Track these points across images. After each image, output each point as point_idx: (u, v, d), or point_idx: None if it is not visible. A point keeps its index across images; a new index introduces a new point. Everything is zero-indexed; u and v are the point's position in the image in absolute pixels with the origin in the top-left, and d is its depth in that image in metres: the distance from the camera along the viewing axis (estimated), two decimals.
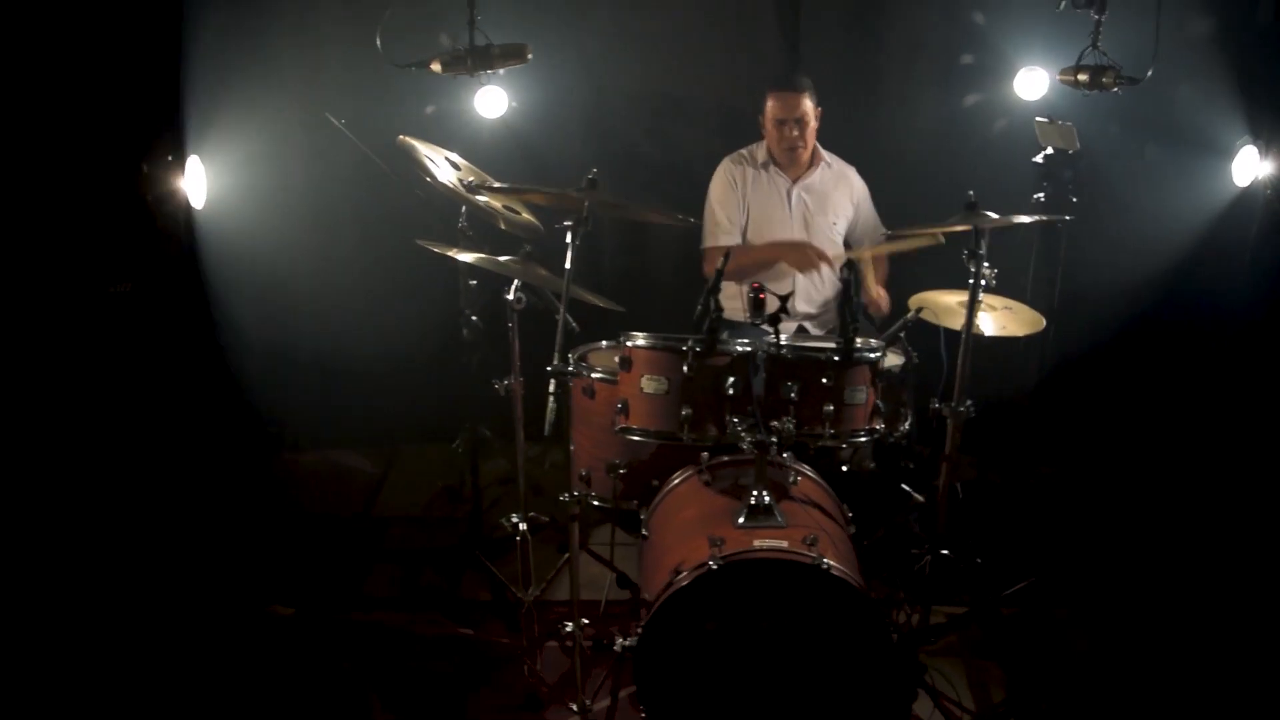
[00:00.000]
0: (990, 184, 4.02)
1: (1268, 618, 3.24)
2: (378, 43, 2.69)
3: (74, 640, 3.19)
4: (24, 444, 3.21)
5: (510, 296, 3.11)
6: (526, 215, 3.65)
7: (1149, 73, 2.61)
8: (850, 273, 2.72)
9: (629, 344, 2.94)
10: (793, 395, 2.81)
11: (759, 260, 3.91)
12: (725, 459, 3.16)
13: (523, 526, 3.39)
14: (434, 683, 3.30)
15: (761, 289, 2.67)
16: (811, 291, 3.96)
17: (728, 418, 2.84)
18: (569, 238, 2.63)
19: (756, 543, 2.71)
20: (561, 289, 3.07)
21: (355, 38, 3.77)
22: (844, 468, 3.45)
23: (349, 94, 3.84)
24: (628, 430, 2.97)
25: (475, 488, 3.92)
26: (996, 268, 3.21)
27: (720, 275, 2.77)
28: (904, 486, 3.44)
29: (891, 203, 4.16)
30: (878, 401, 2.92)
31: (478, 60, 2.68)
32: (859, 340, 2.84)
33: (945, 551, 3.18)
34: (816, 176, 3.99)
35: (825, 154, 4.03)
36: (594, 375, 3.29)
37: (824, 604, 2.67)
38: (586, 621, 2.97)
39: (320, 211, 4.18)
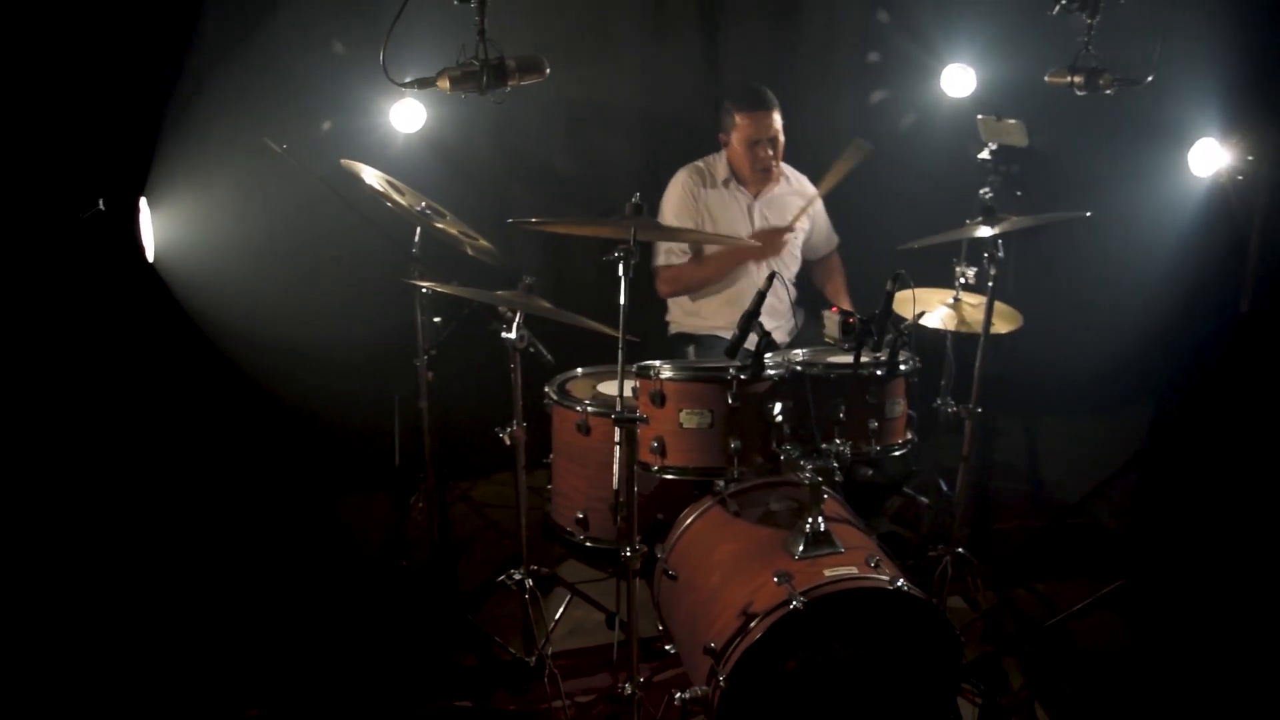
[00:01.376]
0: (925, 183, 4.18)
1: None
2: (381, 61, 2.33)
3: None
4: None
5: (512, 335, 2.85)
6: (482, 241, 3.36)
7: (1149, 78, 2.70)
8: (895, 285, 2.66)
9: (661, 377, 2.75)
10: (841, 415, 2.73)
11: (724, 266, 3.80)
12: (746, 485, 3.03)
13: (529, 583, 3.14)
14: None
15: (851, 313, 2.55)
16: (775, 304, 3.89)
17: (774, 446, 2.72)
18: (620, 270, 2.40)
19: (827, 573, 2.60)
20: (562, 319, 2.88)
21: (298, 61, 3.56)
22: (837, 477, 3.42)
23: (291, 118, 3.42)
24: (666, 470, 2.78)
25: (445, 540, 3.58)
26: (975, 267, 3.28)
27: (762, 298, 2.64)
28: (906, 490, 3.44)
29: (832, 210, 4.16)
30: (910, 411, 2.89)
31: (493, 76, 2.38)
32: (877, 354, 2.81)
33: (961, 550, 3.22)
34: (777, 190, 3.90)
35: (783, 166, 3.95)
36: (588, 410, 3.07)
37: (899, 624, 2.60)
38: (641, 680, 2.75)
39: (273, 248, 3.70)
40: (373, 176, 3.15)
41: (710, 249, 3.82)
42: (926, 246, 3.12)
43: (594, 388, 3.36)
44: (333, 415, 3.92)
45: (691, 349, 3.74)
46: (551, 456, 3.33)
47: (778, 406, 2.68)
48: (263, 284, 3.57)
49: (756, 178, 3.80)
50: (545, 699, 3.11)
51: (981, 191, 3.66)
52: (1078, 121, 3.57)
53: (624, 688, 2.69)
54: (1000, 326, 3.33)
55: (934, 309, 3.40)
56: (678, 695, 2.71)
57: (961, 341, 3.41)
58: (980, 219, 2.92)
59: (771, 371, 2.69)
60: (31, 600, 2.97)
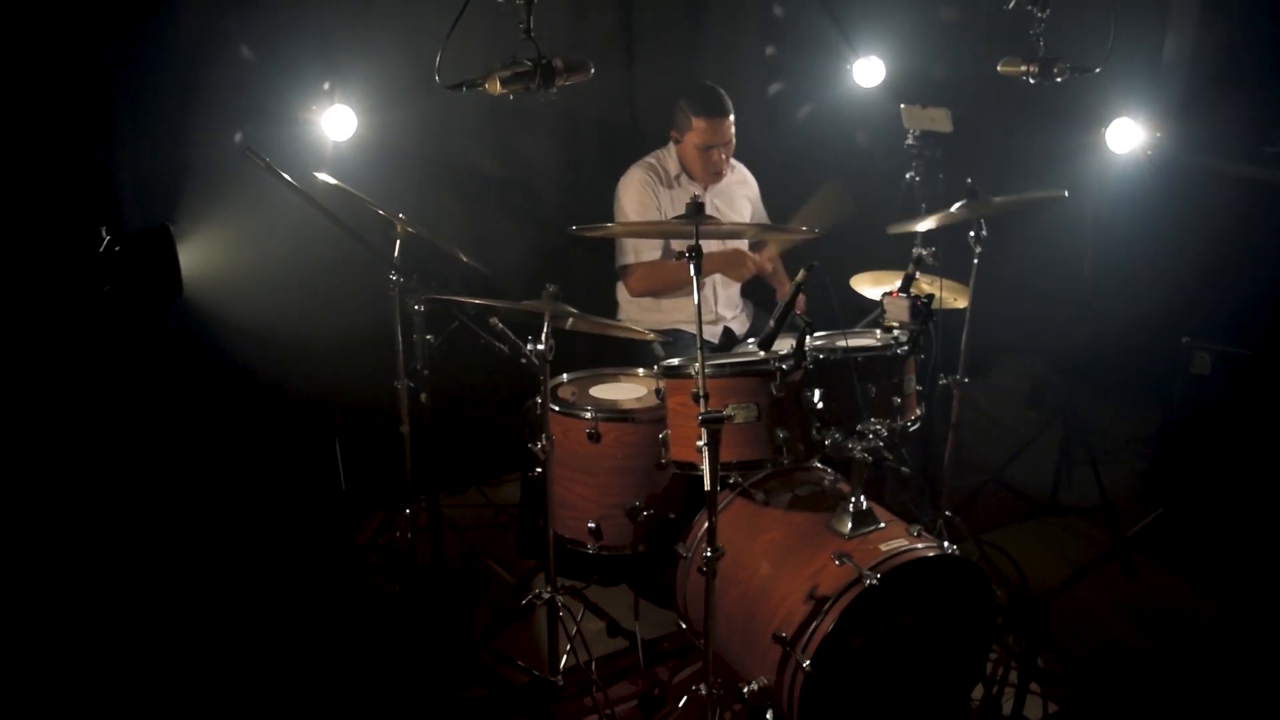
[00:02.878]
0: (842, 170, 4.37)
1: None
2: (436, 66, 2.19)
3: None
4: None
5: (541, 346, 2.75)
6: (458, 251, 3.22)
7: (1098, 69, 2.98)
8: (913, 268, 2.79)
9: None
10: (873, 395, 2.83)
11: (686, 281, 3.81)
12: (759, 476, 3.08)
13: (561, 600, 3.04)
14: None
15: (919, 297, 2.64)
16: (733, 295, 3.97)
17: (814, 432, 2.78)
18: (691, 270, 2.38)
19: (883, 547, 2.70)
20: (592, 327, 2.83)
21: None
22: (887, 455, 3.48)
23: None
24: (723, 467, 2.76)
25: (440, 567, 3.38)
26: (932, 247, 3.49)
27: (799, 288, 2.69)
28: (886, 462, 3.59)
29: None
30: (919, 386, 3.04)
31: (544, 77, 2.29)
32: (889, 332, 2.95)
33: (948, 512, 3.42)
34: (724, 182, 3.94)
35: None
36: (599, 416, 3.02)
37: (952, 585, 2.75)
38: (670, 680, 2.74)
39: (269, 275, 3.36)
40: (352, 189, 2.94)
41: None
42: (897, 232, 3.29)
43: (587, 393, 3.30)
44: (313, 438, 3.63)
45: (657, 346, 3.73)
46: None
47: (817, 393, 2.74)
48: (249, 306, 3.25)
49: (708, 180, 3.84)
50: (579, 715, 3.04)
51: (908, 175, 3.91)
52: (992, 107, 3.87)
53: (698, 688, 2.67)
54: (959, 302, 3.55)
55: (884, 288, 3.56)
56: (745, 689, 2.74)
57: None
58: (964, 201, 3.10)
59: (809, 359, 2.74)
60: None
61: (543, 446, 2.86)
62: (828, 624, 2.56)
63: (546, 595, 3.02)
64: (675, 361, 2.91)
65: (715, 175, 3.83)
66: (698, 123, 3.70)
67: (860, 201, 3.84)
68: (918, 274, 3.60)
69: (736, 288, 3.99)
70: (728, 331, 3.80)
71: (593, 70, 2.41)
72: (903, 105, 3.86)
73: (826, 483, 3.09)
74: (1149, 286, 4.38)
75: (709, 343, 3.84)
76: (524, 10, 2.29)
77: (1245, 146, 4.33)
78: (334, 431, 3.66)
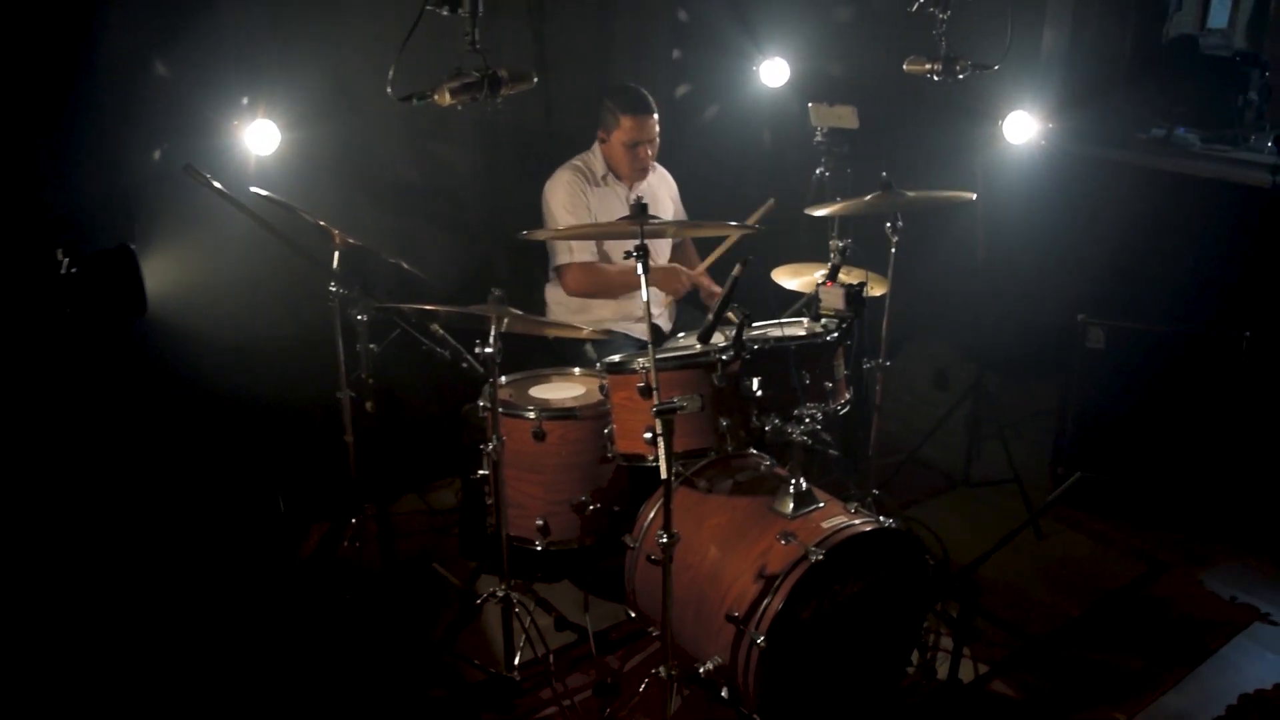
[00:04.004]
0: (753, 167, 4.53)
1: None
2: (389, 78, 2.23)
3: None
4: None
5: (490, 349, 2.81)
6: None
7: (996, 66, 3.19)
8: (840, 259, 2.94)
9: (649, 369, 2.83)
10: (806, 381, 2.97)
11: (624, 285, 3.92)
12: (700, 465, 3.19)
13: (515, 597, 3.10)
14: None
15: (854, 285, 2.78)
16: (656, 292, 4.05)
17: (754, 420, 2.90)
18: (639, 269, 2.48)
19: (824, 525, 2.84)
20: (536, 329, 2.90)
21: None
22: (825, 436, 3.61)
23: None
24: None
25: (390, 568, 3.39)
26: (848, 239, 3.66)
27: (735, 282, 2.82)
28: (814, 445, 3.74)
29: None
30: (846, 371, 3.20)
31: (491, 86, 2.36)
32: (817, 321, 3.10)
33: (876, 491, 3.60)
34: (647, 181, 4.04)
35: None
36: (542, 414, 3.09)
37: (888, 556, 2.90)
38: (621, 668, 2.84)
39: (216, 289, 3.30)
40: (287, 201, 2.95)
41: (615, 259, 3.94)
42: (814, 213, 3.45)
43: (527, 393, 3.36)
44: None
45: (589, 346, 3.81)
46: (486, 470, 3.27)
47: (755, 381, 2.87)
48: (204, 322, 3.20)
49: (634, 175, 3.94)
50: (539, 707, 3.11)
51: (817, 171, 4.09)
52: (896, 103, 4.07)
53: (658, 671, 2.76)
54: (878, 290, 3.73)
55: (805, 278, 3.72)
56: (700, 669, 2.85)
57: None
58: (878, 192, 3.27)
59: (756, 347, 2.86)
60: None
61: (494, 447, 2.91)
62: (778, 601, 2.69)
63: (500, 593, 3.08)
64: (618, 358, 3.00)
65: (641, 172, 3.93)
66: (625, 121, 3.80)
67: (773, 196, 4.00)
68: (892, 262, 3.79)
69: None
70: (655, 329, 3.90)
71: (535, 79, 2.47)
72: (810, 104, 4.03)
73: (763, 468, 3.22)
74: (1045, 269, 4.67)
75: (638, 341, 3.94)
76: (469, 23, 2.34)
77: (1124, 134, 4.66)
78: (278, 441, 3.65)
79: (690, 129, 4.77)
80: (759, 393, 2.88)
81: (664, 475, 2.50)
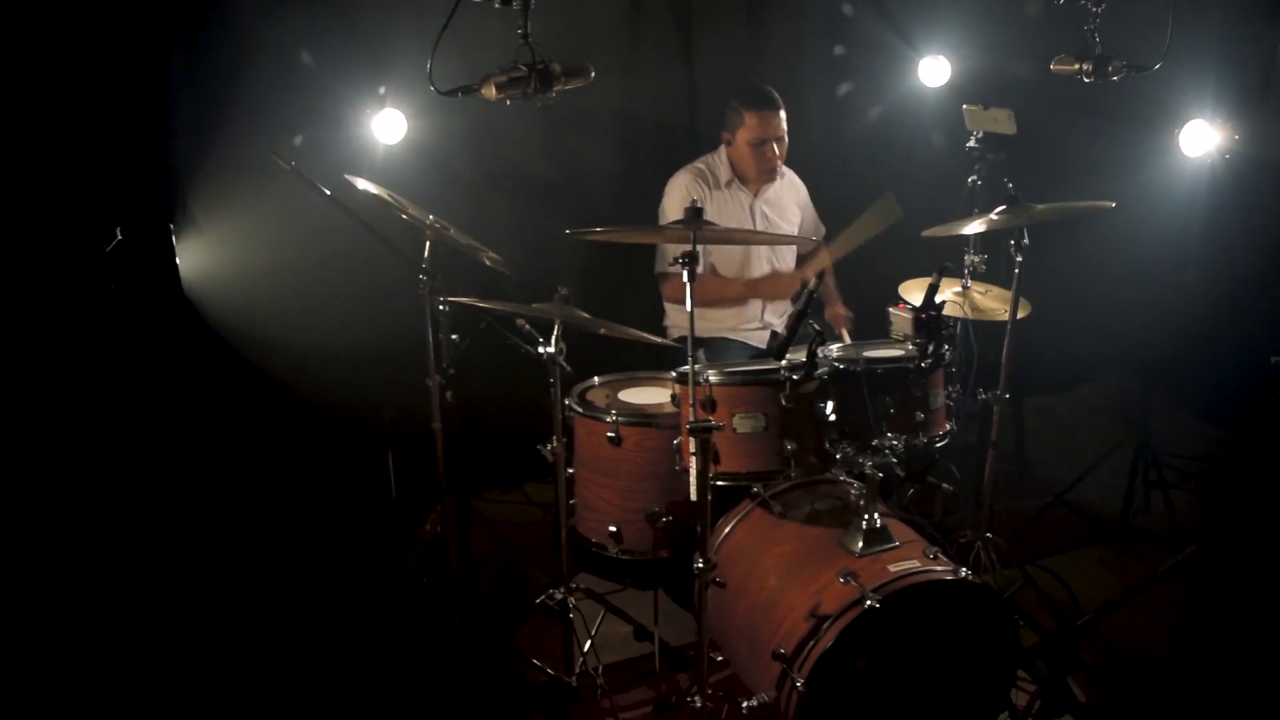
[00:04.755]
0: (902, 174, 4.23)
1: None
2: (428, 71, 2.23)
3: None
4: None
5: (552, 349, 2.76)
6: (491, 252, 3.25)
7: (1158, 65, 2.79)
8: (938, 277, 2.68)
9: (710, 383, 2.70)
10: (891, 410, 2.73)
11: (732, 295, 3.79)
12: (783, 487, 3.02)
13: (572, 601, 3.05)
14: None
15: (921, 309, 2.55)
16: (778, 302, 3.90)
17: (827, 445, 2.70)
18: (685, 276, 2.35)
19: (892, 568, 2.60)
20: (603, 330, 2.82)
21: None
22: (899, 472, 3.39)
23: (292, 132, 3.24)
24: (721, 476, 2.72)
25: (467, 563, 3.43)
26: (985, 254, 3.34)
27: (811, 296, 2.62)
28: (929, 478, 3.47)
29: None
30: (949, 401, 2.91)
31: (541, 81, 2.30)
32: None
33: (990, 535, 3.27)
34: (774, 188, 3.86)
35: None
36: (619, 419, 3.00)
37: (965, 611, 2.63)
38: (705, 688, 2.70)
39: (285, 270, 3.52)
40: (378, 190, 3.01)
41: (727, 272, 3.82)
42: (939, 235, 3.15)
43: (615, 396, 3.29)
44: (347, 435, 3.75)
45: (701, 352, 3.69)
46: (573, 469, 3.25)
47: (829, 405, 2.66)
48: (276, 305, 3.39)
49: (761, 177, 3.76)
50: (594, 717, 3.05)
51: (970, 179, 3.75)
52: (1058, 107, 3.67)
53: (694, 699, 2.63)
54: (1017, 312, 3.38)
55: (942, 297, 3.43)
56: (744, 704, 2.69)
57: (972, 328, 3.47)
58: (1004, 207, 2.95)
59: (821, 370, 2.66)
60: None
61: (552, 449, 2.86)
62: (825, 644, 2.49)
63: (559, 596, 3.03)
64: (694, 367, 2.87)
65: (769, 173, 3.74)
66: (749, 118, 3.63)
67: (921, 205, 3.70)
68: (970, 283, 3.48)
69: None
70: (774, 334, 3.72)
71: (593, 74, 2.40)
72: (965, 106, 3.70)
73: (851, 497, 3.00)
74: (1239, 297, 4.08)
75: (730, 343, 3.77)
76: (520, 15, 2.29)
77: None
78: (383, 433, 3.80)
79: (847, 131, 4.53)
80: (832, 417, 2.67)
81: (694, 496, 2.36)
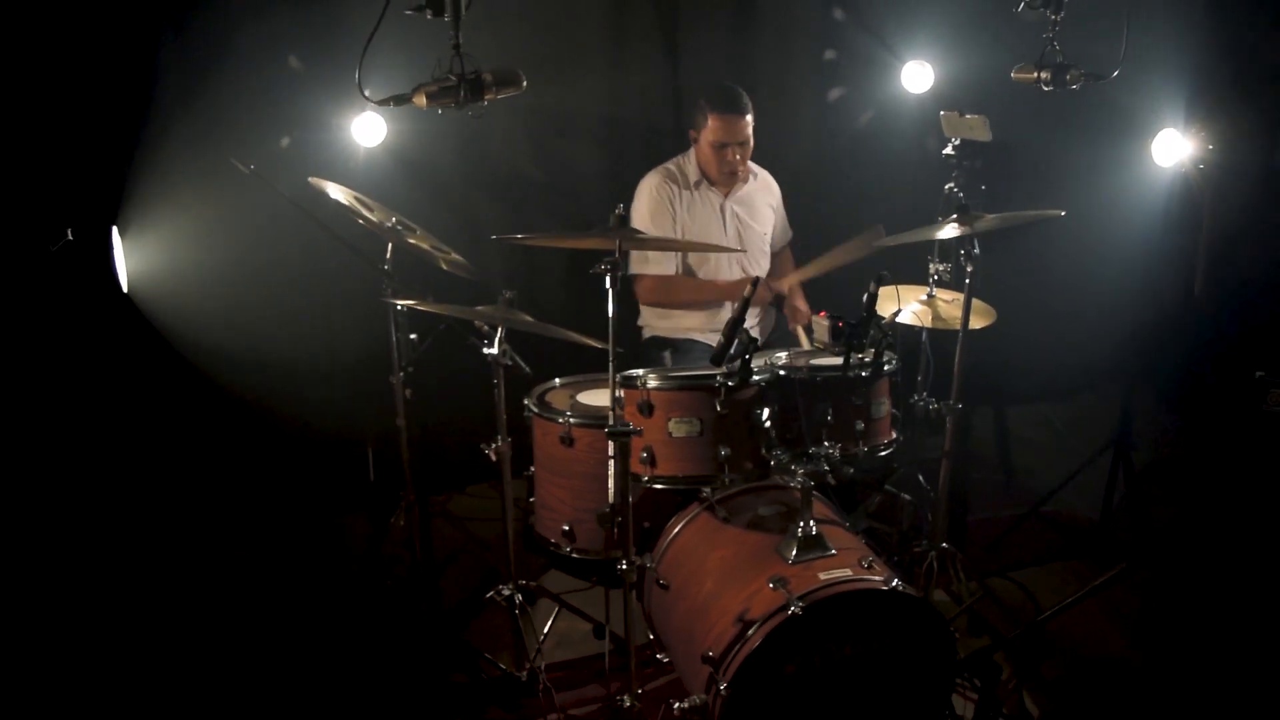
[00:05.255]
0: (885, 180, 4.22)
1: None
2: (357, 79, 2.29)
3: None
4: None
5: (494, 350, 2.81)
6: (455, 255, 3.32)
7: (1115, 73, 2.75)
8: (876, 286, 2.67)
9: (648, 386, 2.73)
10: (829, 418, 2.73)
11: (703, 296, 3.81)
12: (733, 491, 3.04)
13: (518, 598, 3.11)
14: None
15: (840, 317, 2.55)
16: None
17: (763, 451, 2.72)
18: (607, 282, 2.38)
19: (822, 576, 2.61)
20: (547, 333, 2.86)
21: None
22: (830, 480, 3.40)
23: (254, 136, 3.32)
24: (657, 479, 2.76)
25: (428, 556, 3.52)
26: (947, 263, 3.31)
27: (747, 304, 2.63)
28: (888, 487, 3.46)
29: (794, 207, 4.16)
30: (894, 410, 2.91)
31: (471, 90, 2.35)
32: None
33: (945, 545, 3.25)
34: (746, 189, 3.88)
35: (750, 164, 3.89)
36: (571, 421, 3.05)
37: (896, 622, 2.62)
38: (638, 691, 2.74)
39: (244, 270, 3.61)
40: (340, 193, 3.09)
41: (700, 274, 3.84)
42: (900, 244, 3.14)
43: (573, 398, 3.33)
44: (309, 434, 3.84)
45: (667, 354, 3.72)
46: (533, 469, 3.30)
47: (765, 412, 2.68)
48: (235, 306, 3.50)
49: (722, 180, 3.77)
50: (540, 713, 3.10)
51: (947, 187, 3.71)
52: (1038, 115, 3.62)
53: (623, 699, 2.67)
54: (976, 322, 3.35)
55: (908, 305, 3.42)
56: (676, 705, 2.71)
57: (936, 337, 3.45)
58: (954, 216, 2.93)
59: (758, 377, 2.68)
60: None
61: (496, 449, 2.91)
62: (749, 648, 2.51)
63: (506, 592, 3.09)
64: (634, 372, 2.90)
65: (730, 176, 3.75)
66: (713, 120, 3.63)
67: (903, 212, 3.69)
68: (935, 293, 3.46)
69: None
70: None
71: (525, 83, 2.43)
72: (942, 112, 3.68)
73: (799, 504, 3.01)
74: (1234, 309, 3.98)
75: (697, 345, 3.80)
76: (452, 26, 2.33)
77: None
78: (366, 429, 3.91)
79: (831, 135, 4.50)
80: (767, 424, 2.69)
81: (611, 499, 2.40)
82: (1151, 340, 3.88)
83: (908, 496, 3.43)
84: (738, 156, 3.69)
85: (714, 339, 3.82)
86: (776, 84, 4.31)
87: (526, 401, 3.24)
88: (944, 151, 3.68)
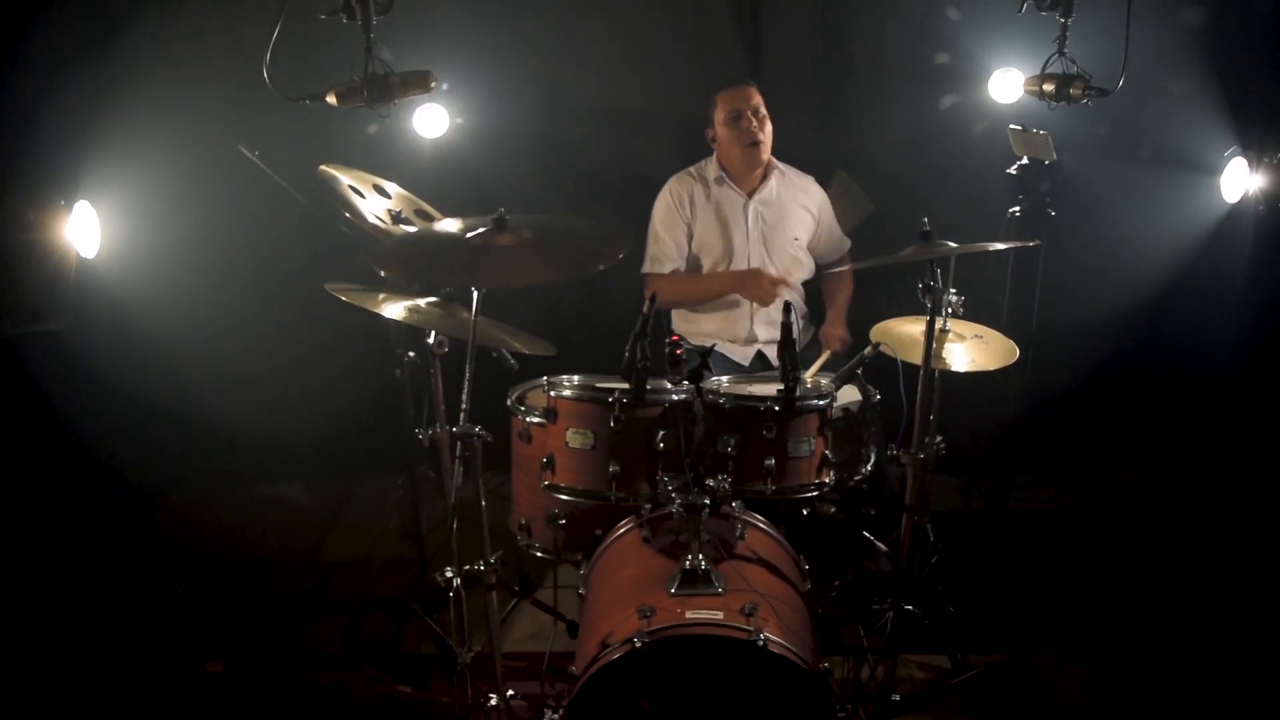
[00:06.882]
0: (963, 195, 3.82)
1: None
2: (264, 75, 2.44)
3: None
4: None
5: (431, 340, 2.88)
6: None
7: (1119, 84, 2.34)
8: (788, 315, 2.47)
9: (553, 393, 2.71)
10: (730, 449, 2.58)
11: (708, 291, 3.68)
12: (669, 511, 2.92)
13: (456, 582, 3.18)
14: None
15: (679, 344, 2.40)
16: (774, 312, 3.69)
17: (659, 474, 2.60)
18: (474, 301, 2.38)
19: (689, 614, 2.45)
20: (486, 333, 2.89)
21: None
22: (804, 512, 3.19)
23: (270, 121, 3.61)
24: (554, 488, 2.74)
25: (418, 533, 3.68)
26: (964, 294, 2.95)
27: (647, 320, 2.52)
28: (866, 534, 3.17)
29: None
30: (826, 451, 2.67)
31: (376, 91, 2.43)
32: (807, 384, 2.61)
33: (910, 606, 2.93)
34: (772, 188, 3.70)
35: (779, 164, 3.74)
36: (530, 419, 3.05)
37: (763, 680, 2.42)
38: (511, 693, 2.74)
39: (239, 252, 3.98)
40: (354, 181, 3.27)
41: (706, 269, 3.72)
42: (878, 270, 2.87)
43: (549, 395, 3.33)
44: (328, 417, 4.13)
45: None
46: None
47: (661, 433, 2.57)
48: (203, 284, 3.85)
49: (747, 157, 3.61)
50: (480, 695, 3.15)
51: (1011, 210, 3.33)
52: (1107, 136, 3.15)
53: (487, 699, 2.68)
54: (989, 361, 2.97)
55: (918, 342, 3.08)
56: (546, 714, 2.68)
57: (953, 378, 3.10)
58: (917, 243, 2.62)
59: (658, 396, 2.57)
60: None
61: (433, 434, 2.98)
62: (588, 674, 2.43)
63: (448, 575, 3.14)
64: (559, 377, 2.86)
65: (752, 146, 3.58)
66: (720, 99, 3.58)
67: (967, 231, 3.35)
68: (933, 330, 3.10)
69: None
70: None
71: (432, 85, 2.47)
72: (1010, 126, 3.29)
73: (736, 533, 2.83)
74: None
75: (736, 364, 3.63)
76: (364, 29, 2.42)
77: None
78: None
79: (947, 149, 4.11)
80: (662, 446, 2.57)
81: (449, 499, 2.41)
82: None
83: (883, 547, 3.10)
84: (754, 124, 3.55)
85: (733, 349, 3.70)
86: (863, 90, 4.04)
87: (510, 395, 3.28)
88: (1009, 170, 3.31)
